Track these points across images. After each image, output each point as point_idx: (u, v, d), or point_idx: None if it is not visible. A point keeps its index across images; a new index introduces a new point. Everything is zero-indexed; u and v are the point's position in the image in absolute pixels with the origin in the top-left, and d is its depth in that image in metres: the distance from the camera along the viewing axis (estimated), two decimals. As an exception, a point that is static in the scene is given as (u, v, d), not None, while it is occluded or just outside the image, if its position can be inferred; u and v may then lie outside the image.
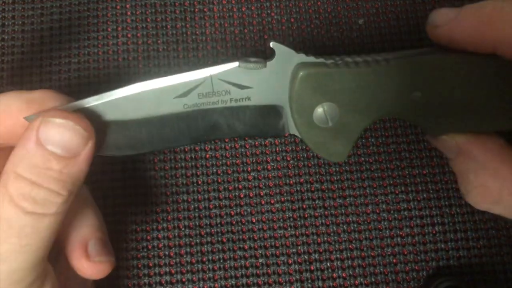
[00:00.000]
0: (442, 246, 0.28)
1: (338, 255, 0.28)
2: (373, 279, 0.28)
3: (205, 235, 0.28)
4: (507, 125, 0.23)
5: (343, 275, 0.28)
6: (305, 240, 0.28)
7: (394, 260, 0.28)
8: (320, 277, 0.28)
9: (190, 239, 0.28)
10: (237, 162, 0.29)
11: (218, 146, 0.29)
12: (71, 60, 0.30)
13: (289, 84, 0.22)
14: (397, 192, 0.29)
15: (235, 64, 0.21)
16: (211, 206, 0.29)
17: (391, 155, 0.29)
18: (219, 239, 0.28)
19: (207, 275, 0.28)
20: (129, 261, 0.28)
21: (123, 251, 0.28)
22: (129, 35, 0.30)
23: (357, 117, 0.22)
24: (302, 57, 0.22)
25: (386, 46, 0.30)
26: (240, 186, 0.29)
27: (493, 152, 0.22)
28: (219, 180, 0.29)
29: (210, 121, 0.22)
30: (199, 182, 0.29)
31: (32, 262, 0.19)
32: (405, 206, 0.29)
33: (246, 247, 0.28)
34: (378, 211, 0.29)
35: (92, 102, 0.21)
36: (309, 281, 0.28)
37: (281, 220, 0.29)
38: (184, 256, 0.28)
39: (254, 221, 0.29)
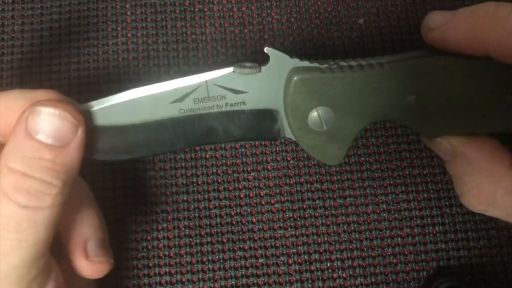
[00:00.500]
0: (443, 246, 0.28)
1: (338, 255, 0.28)
2: (373, 279, 0.28)
3: (205, 235, 0.28)
4: (501, 127, 0.23)
5: (344, 275, 0.28)
6: (305, 240, 0.28)
7: (394, 260, 0.28)
8: (320, 278, 0.28)
9: (190, 239, 0.28)
10: (237, 162, 0.29)
11: (218, 146, 0.29)
12: (70, 60, 0.30)
13: (284, 89, 0.22)
14: (397, 192, 0.29)
15: (230, 69, 0.22)
16: (211, 206, 0.29)
17: (391, 155, 0.29)
18: (219, 239, 0.28)
19: (207, 275, 0.28)
20: (129, 261, 0.28)
21: (123, 251, 0.28)
22: (128, 35, 0.30)
23: (351, 121, 0.22)
24: (297, 62, 0.22)
25: (386, 46, 0.30)
26: (240, 186, 0.29)
27: (487, 154, 0.22)
28: (219, 180, 0.29)
29: (206, 126, 0.23)
30: (199, 182, 0.29)
31: (32, 257, 0.19)
32: (406, 206, 0.29)
33: (246, 247, 0.28)
34: (378, 211, 0.29)
35: (90, 107, 0.21)
36: (309, 281, 0.28)
37: (281, 220, 0.29)
38: (184, 256, 0.28)
39: (254, 221, 0.29)
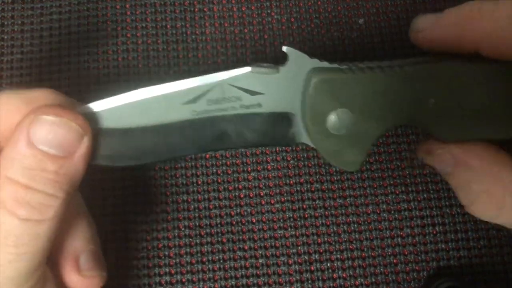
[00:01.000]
0: (443, 246, 0.28)
1: (338, 256, 0.28)
2: (373, 280, 0.28)
3: (205, 235, 0.28)
4: None
5: (344, 275, 0.28)
6: (305, 241, 0.28)
7: (394, 261, 0.28)
8: (320, 278, 0.28)
9: (190, 239, 0.28)
10: (237, 162, 0.29)
11: (218, 146, 0.29)
12: (70, 60, 0.30)
13: (302, 90, 0.22)
14: (397, 192, 0.29)
15: (248, 69, 0.21)
16: (211, 206, 0.29)
17: (391, 155, 0.29)
18: (219, 239, 0.28)
19: (207, 276, 0.28)
20: (128, 261, 0.28)
21: (122, 251, 0.28)
22: (128, 35, 0.30)
23: (371, 125, 0.22)
24: (316, 62, 0.21)
25: (386, 46, 0.30)
26: (240, 186, 0.29)
27: (491, 158, 0.22)
28: (219, 180, 0.29)
29: (218, 129, 0.21)
30: (199, 182, 0.29)
31: (30, 268, 0.18)
32: (406, 206, 0.29)
33: (246, 248, 0.28)
34: (378, 211, 0.29)
35: (94, 109, 0.20)
36: (309, 281, 0.28)
37: (281, 220, 0.29)
38: (184, 256, 0.28)
39: (254, 221, 0.29)
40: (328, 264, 0.28)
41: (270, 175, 0.29)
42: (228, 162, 0.29)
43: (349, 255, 0.28)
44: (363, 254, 0.28)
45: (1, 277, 0.18)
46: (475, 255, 0.28)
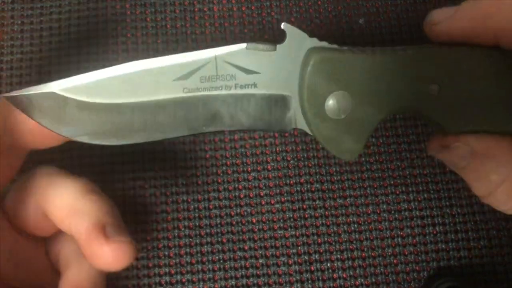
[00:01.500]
0: (443, 246, 0.28)
1: (338, 256, 0.28)
2: (373, 280, 0.28)
3: (205, 236, 0.28)
4: None
5: (344, 275, 0.28)
6: (305, 241, 0.28)
7: (394, 261, 0.28)
8: (320, 278, 0.28)
9: (190, 239, 0.28)
10: (237, 162, 0.29)
11: (218, 146, 0.29)
12: (70, 60, 0.30)
13: (300, 70, 0.21)
14: (398, 192, 0.29)
15: (243, 45, 0.20)
16: (211, 206, 0.29)
17: (391, 155, 0.29)
18: (219, 239, 0.28)
19: (207, 276, 0.28)
20: (128, 261, 0.28)
21: (122, 251, 0.28)
22: (128, 35, 0.30)
23: (371, 110, 0.21)
24: (315, 42, 0.21)
25: (386, 46, 0.30)
26: (240, 186, 0.29)
27: (509, 147, 0.22)
28: (219, 180, 0.29)
29: (211, 110, 0.20)
30: (199, 182, 0.29)
31: None
32: (406, 206, 0.29)
33: (246, 248, 0.28)
34: (378, 212, 0.29)
35: (80, 80, 0.19)
36: (310, 281, 0.28)
37: (281, 220, 0.28)
38: (184, 256, 0.28)
39: (254, 221, 0.28)
40: (328, 264, 0.28)
41: (270, 175, 0.29)
42: (228, 162, 0.29)
43: (349, 255, 0.28)
44: (363, 254, 0.28)
45: None
46: (476, 255, 0.28)
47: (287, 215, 0.29)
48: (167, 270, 0.28)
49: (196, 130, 0.21)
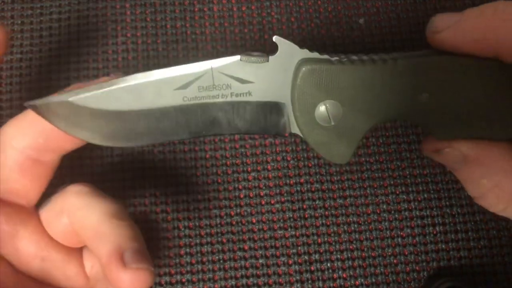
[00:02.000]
0: (443, 246, 0.28)
1: (338, 256, 0.28)
2: (373, 280, 0.28)
3: (205, 236, 0.28)
4: None
5: (344, 275, 0.28)
6: (305, 241, 0.28)
7: (395, 261, 0.28)
8: (320, 278, 0.28)
9: (190, 239, 0.28)
10: (237, 162, 0.29)
11: (218, 146, 0.29)
12: (70, 60, 0.30)
13: (292, 80, 0.22)
14: (398, 192, 0.29)
15: (237, 57, 0.21)
16: (211, 207, 0.29)
17: (391, 155, 0.29)
18: (219, 239, 0.28)
19: (207, 276, 0.28)
20: (128, 261, 0.28)
21: (122, 251, 0.28)
22: (128, 35, 0.30)
23: (361, 118, 0.22)
24: (306, 53, 0.21)
25: (386, 46, 0.30)
26: (240, 186, 0.29)
27: (500, 154, 0.22)
28: (219, 180, 0.29)
29: (210, 116, 0.22)
30: (199, 182, 0.29)
31: None
32: (406, 206, 0.29)
33: (246, 248, 0.28)
34: (378, 212, 0.29)
35: (91, 91, 0.21)
36: (310, 281, 0.28)
37: (281, 220, 0.28)
38: (184, 256, 0.28)
39: (254, 221, 0.28)
40: (328, 264, 0.28)
41: (270, 175, 0.29)
42: (228, 162, 0.29)
43: (349, 255, 0.28)
44: (363, 254, 0.28)
45: None
46: (476, 255, 0.28)
47: (287, 215, 0.29)
48: (166, 270, 0.28)
49: (197, 134, 0.22)
